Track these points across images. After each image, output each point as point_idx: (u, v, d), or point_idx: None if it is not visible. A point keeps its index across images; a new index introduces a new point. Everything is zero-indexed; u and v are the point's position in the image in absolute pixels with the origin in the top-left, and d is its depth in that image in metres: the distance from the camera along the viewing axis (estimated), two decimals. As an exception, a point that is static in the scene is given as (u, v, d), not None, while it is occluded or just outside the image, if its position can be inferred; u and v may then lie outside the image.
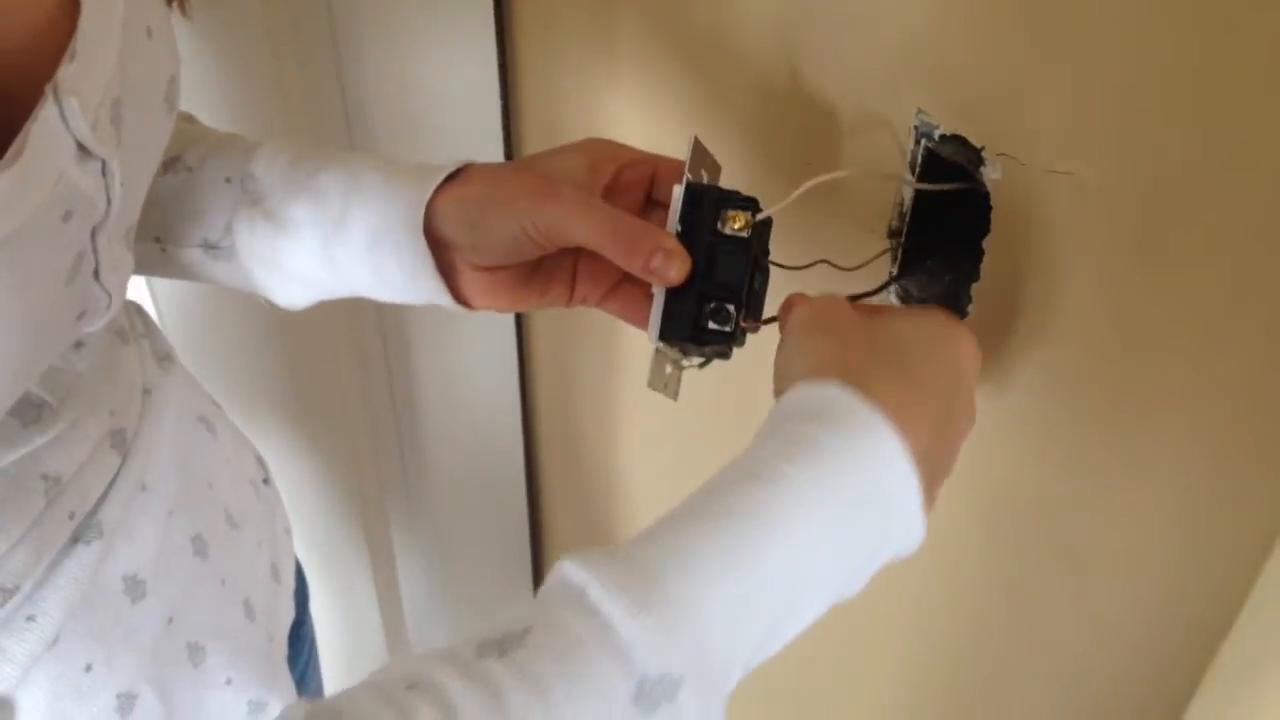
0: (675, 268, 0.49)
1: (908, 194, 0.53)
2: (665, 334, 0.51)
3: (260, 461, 0.72)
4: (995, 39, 0.45)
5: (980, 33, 0.46)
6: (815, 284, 0.55)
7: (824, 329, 0.45)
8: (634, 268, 0.50)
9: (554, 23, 0.88)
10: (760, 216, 0.51)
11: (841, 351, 0.43)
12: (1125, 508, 0.47)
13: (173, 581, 0.56)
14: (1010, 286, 0.49)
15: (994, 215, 0.48)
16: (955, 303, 0.52)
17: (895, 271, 0.55)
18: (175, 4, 0.51)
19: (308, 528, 1.19)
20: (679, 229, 0.50)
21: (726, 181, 0.53)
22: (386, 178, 0.55)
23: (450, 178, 0.54)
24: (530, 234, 0.51)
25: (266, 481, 0.72)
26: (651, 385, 0.53)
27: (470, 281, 0.55)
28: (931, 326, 0.46)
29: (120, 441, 0.53)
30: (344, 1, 0.93)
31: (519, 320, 1.16)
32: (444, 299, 0.55)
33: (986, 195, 0.48)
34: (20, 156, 0.38)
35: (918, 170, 0.51)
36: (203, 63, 0.86)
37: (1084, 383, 0.47)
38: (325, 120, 0.99)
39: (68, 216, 0.42)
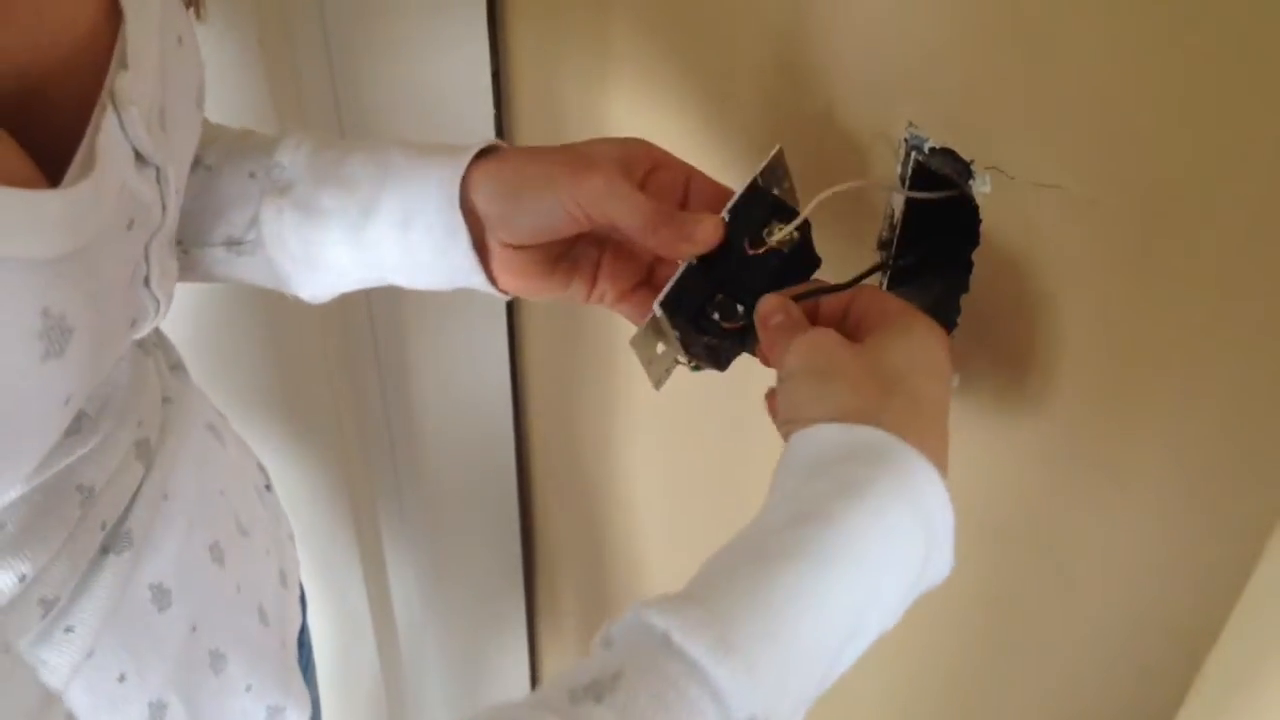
0: (707, 228, 0.50)
1: (898, 205, 0.53)
2: (668, 303, 0.51)
3: (261, 468, 0.73)
4: (985, 53, 0.46)
5: (970, 47, 0.47)
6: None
7: (828, 372, 0.46)
8: (667, 247, 0.50)
9: (548, 24, 0.88)
10: (798, 234, 0.50)
11: (854, 394, 0.44)
12: (1113, 517, 0.48)
13: (195, 590, 0.57)
14: (998, 298, 0.49)
15: (983, 228, 0.48)
16: (944, 313, 0.53)
17: (885, 282, 0.55)
18: (191, 8, 0.52)
19: (300, 533, 1.19)
20: (727, 218, 0.50)
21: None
22: (416, 157, 0.55)
23: (480, 155, 0.54)
24: (568, 208, 0.51)
25: (268, 488, 0.72)
26: (633, 344, 0.53)
27: (500, 260, 0.55)
28: (917, 347, 0.47)
29: (145, 451, 0.54)
30: (336, 3, 0.93)
31: (511, 324, 1.16)
32: (476, 276, 0.56)
33: (976, 208, 0.48)
34: (93, 169, 0.39)
35: (907, 183, 0.52)
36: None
37: (1071, 393, 0.48)
38: (318, 123, 0.99)
39: (131, 225, 0.43)
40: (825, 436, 0.43)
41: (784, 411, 0.47)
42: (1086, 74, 0.42)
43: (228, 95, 0.89)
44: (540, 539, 1.37)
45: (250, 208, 0.58)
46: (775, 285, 0.50)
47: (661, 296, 0.51)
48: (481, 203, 0.53)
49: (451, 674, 1.51)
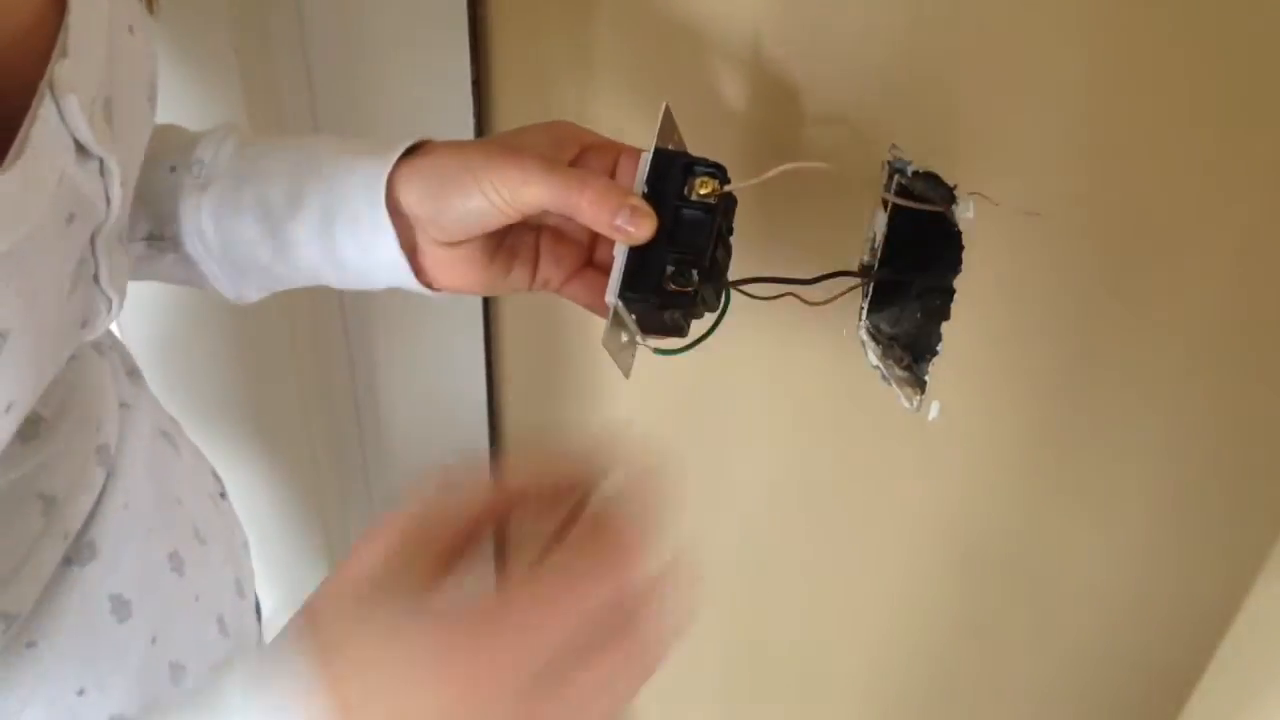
0: (642, 224, 0.48)
1: (880, 228, 0.53)
2: (625, 291, 0.50)
3: (216, 476, 0.71)
4: (970, 78, 0.45)
5: (956, 71, 0.46)
6: (782, 317, 0.54)
7: (375, 596, 0.37)
8: (600, 223, 0.49)
9: (529, 32, 0.87)
10: (727, 189, 0.50)
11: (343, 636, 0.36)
12: (1094, 550, 0.47)
13: (155, 600, 0.55)
14: (981, 325, 0.49)
15: (966, 254, 0.48)
16: (925, 341, 0.52)
17: (866, 307, 0.55)
18: (143, 2, 0.50)
19: (266, 543, 1.17)
20: (645, 190, 0.50)
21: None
22: (342, 153, 0.53)
23: (409, 152, 0.53)
24: (493, 200, 0.50)
25: (223, 496, 0.71)
26: (605, 345, 0.52)
27: (432, 259, 0.54)
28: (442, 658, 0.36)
29: (105, 457, 0.52)
30: (314, 10, 0.92)
31: (488, 328, 1.15)
32: (406, 277, 0.54)
33: (959, 233, 0.47)
34: (21, 157, 0.37)
35: (889, 206, 0.51)
36: (168, 68, 0.84)
37: (1053, 423, 0.47)
38: (294, 129, 0.97)
39: (71, 219, 0.41)
40: (280, 653, 0.36)
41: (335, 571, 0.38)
42: (1071, 102, 0.41)
43: (203, 103, 0.88)
44: (511, 549, 1.36)
45: (170, 203, 0.56)
46: (715, 237, 0.50)
47: (615, 288, 0.50)
48: (408, 203, 0.52)
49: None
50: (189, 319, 1.00)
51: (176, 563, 0.58)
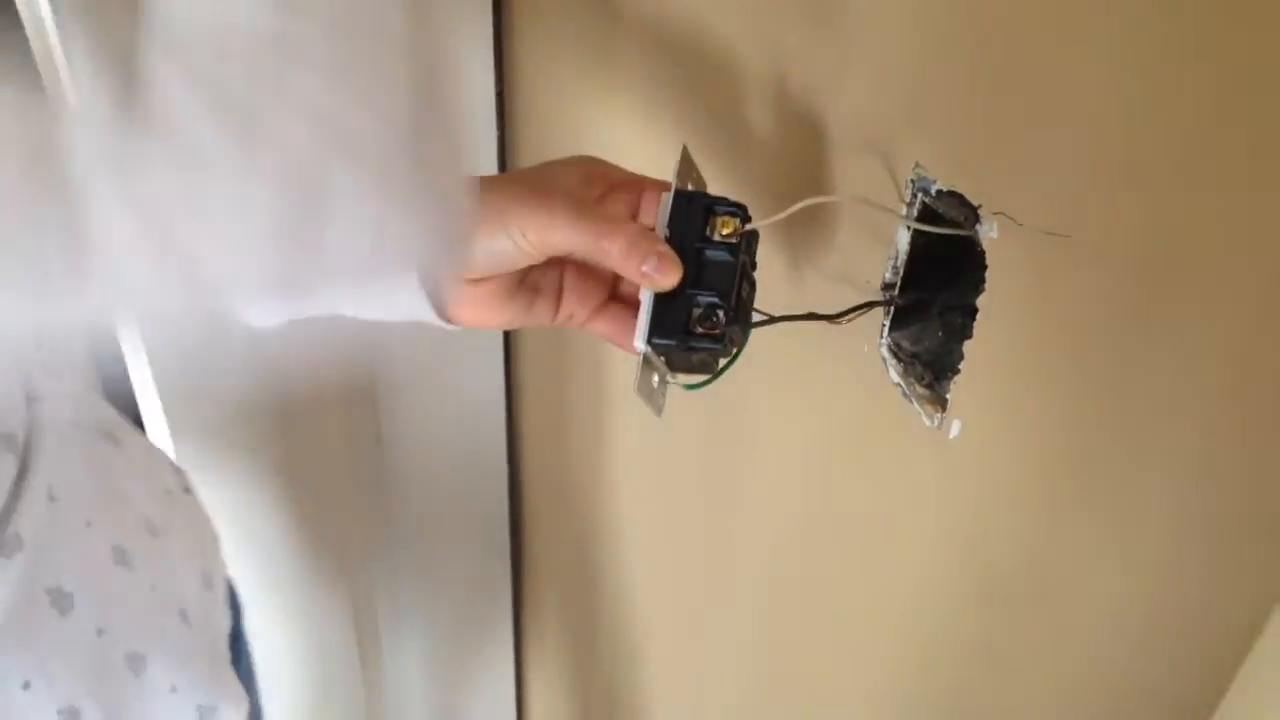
0: (669, 272, 0.49)
1: (902, 246, 0.52)
2: (653, 337, 0.50)
3: (178, 471, 0.72)
4: (997, 97, 0.45)
5: (983, 90, 0.46)
6: (803, 334, 0.54)
7: None
8: (628, 271, 0.49)
9: (552, 47, 0.88)
10: (749, 227, 0.50)
11: None
12: (1115, 572, 0.46)
13: (99, 592, 0.56)
14: (1003, 345, 0.48)
15: (989, 274, 0.47)
16: (947, 359, 0.51)
17: (887, 324, 0.54)
18: None
19: (283, 553, 1.17)
20: (667, 233, 0.50)
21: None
22: None
23: None
24: (519, 243, 0.50)
25: (187, 490, 0.72)
26: (639, 391, 0.53)
27: (454, 294, 0.54)
28: None
29: (13, 444, 0.53)
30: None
31: (507, 349, 1.15)
32: (426, 313, 0.54)
33: (982, 253, 0.47)
34: None
35: (912, 225, 0.51)
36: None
37: (1076, 443, 0.47)
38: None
39: None
40: None
41: None
42: (1098, 121, 0.40)
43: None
44: (529, 561, 1.36)
45: None
46: (739, 275, 0.50)
47: (642, 334, 0.50)
48: None
49: (434, 696, 1.49)
50: (211, 331, 1.01)
51: (121, 555, 0.58)
